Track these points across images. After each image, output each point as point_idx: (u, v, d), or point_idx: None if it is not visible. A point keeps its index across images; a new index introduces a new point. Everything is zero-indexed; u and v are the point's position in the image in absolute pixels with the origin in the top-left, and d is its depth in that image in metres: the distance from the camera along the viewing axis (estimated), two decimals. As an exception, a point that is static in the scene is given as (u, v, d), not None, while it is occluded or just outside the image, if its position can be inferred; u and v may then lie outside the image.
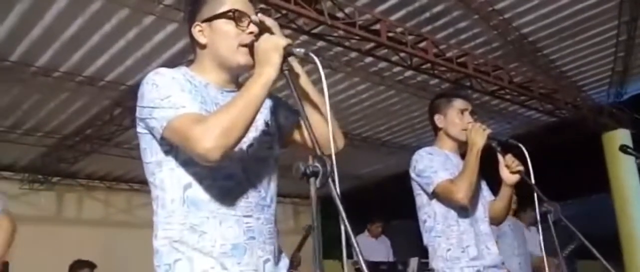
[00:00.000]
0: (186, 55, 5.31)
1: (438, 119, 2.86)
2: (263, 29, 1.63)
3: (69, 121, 6.77)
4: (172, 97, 1.53)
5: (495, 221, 2.89)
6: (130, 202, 8.88)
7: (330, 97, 1.49)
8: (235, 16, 1.62)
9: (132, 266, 6.58)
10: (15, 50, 5.22)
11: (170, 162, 1.59)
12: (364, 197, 7.67)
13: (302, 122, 1.70)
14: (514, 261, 5.18)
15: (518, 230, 5.24)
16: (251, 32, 1.62)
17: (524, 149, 2.59)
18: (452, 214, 2.69)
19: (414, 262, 5.14)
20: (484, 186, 2.89)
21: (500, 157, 2.71)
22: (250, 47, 1.60)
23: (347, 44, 5.26)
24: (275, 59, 1.51)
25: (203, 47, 1.68)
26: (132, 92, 5.78)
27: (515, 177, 2.67)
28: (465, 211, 2.69)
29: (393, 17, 5.41)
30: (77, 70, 5.66)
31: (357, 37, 5.03)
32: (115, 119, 6.46)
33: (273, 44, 1.53)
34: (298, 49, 1.54)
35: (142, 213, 8.27)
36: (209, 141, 1.42)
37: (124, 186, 8.92)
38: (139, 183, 8.50)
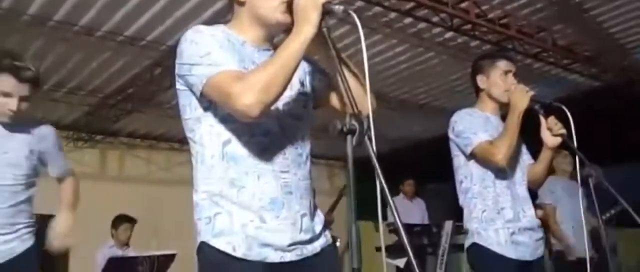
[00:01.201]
0: (226, 15, 5.33)
1: (480, 80, 2.84)
2: None
3: (110, 80, 6.91)
4: (211, 54, 1.55)
5: (534, 184, 2.87)
6: (170, 161, 9.10)
7: (368, 58, 1.48)
8: None
9: (172, 222, 6.81)
10: (58, 10, 5.32)
11: (209, 119, 1.62)
12: (401, 159, 7.63)
13: (336, 83, 1.72)
14: (567, 225, 5.13)
15: (571, 191, 5.10)
16: None
17: (567, 111, 2.54)
18: (489, 175, 2.69)
19: (448, 225, 5.13)
20: (523, 149, 2.87)
21: (542, 119, 2.67)
22: (289, 4, 1.60)
23: (386, 3, 5.17)
24: (314, 16, 1.51)
25: (242, 4, 1.69)
26: (172, 52, 5.81)
27: (557, 140, 2.64)
28: (503, 173, 2.68)
29: (434, -23, 5.29)
30: (118, 29, 5.74)
31: (397, -3, 4.94)
32: (156, 79, 6.55)
33: (312, 1, 1.53)
34: (337, 7, 1.53)
35: (182, 171, 8.46)
36: (249, 97, 1.45)
37: (164, 145, 9.13)
38: (179, 142, 8.67)
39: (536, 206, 5.26)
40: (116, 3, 5.27)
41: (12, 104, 2.40)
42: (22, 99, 2.43)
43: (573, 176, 5.18)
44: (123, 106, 7.37)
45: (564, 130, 2.60)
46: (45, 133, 2.71)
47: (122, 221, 6.31)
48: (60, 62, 6.31)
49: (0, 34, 5.53)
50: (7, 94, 2.40)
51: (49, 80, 6.71)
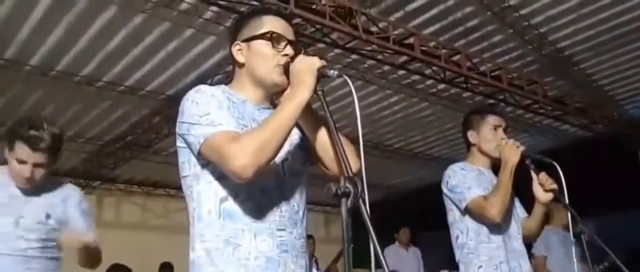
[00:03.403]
0: (223, 67, 5.46)
1: (471, 135, 2.84)
2: (298, 51, 1.69)
3: (110, 129, 7.01)
4: (210, 114, 1.59)
5: (529, 238, 2.85)
6: (166, 207, 9.10)
7: (362, 109, 1.53)
8: (272, 38, 1.69)
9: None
10: (61, 60, 5.45)
11: (207, 176, 1.64)
12: (395, 207, 7.67)
13: (319, 145, 1.74)
14: None
15: (566, 243, 5.11)
16: (287, 54, 1.68)
17: (558, 167, 2.57)
18: (485, 230, 2.67)
19: (444, 275, 5.13)
20: (517, 202, 2.86)
21: (533, 175, 2.70)
22: (286, 67, 1.65)
23: (380, 57, 5.31)
24: (309, 80, 1.56)
25: (241, 65, 1.74)
26: (171, 102, 6.00)
27: (548, 196, 2.63)
28: (497, 227, 2.67)
29: (427, 31, 5.44)
30: (119, 80, 5.87)
31: (390, 51, 5.08)
32: (154, 127, 6.66)
33: (307, 66, 1.58)
34: (332, 71, 1.58)
35: (178, 218, 8.45)
36: (242, 159, 1.48)
37: (161, 192, 9.16)
38: (175, 189, 8.66)
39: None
40: (117, 55, 5.41)
41: (26, 171, 2.36)
42: (36, 165, 2.37)
43: (568, 227, 5.20)
44: (121, 153, 7.44)
45: (555, 186, 2.61)
46: (67, 194, 2.57)
47: (117, 270, 6.26)
48: (60, 111, 6.40)
49: (3, 84, 5.65)
50: (22, 162, 2.37)
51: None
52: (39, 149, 2.35)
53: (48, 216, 2.46)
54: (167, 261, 6.64)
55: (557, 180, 2.61)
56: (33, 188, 2.45)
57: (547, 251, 5.30)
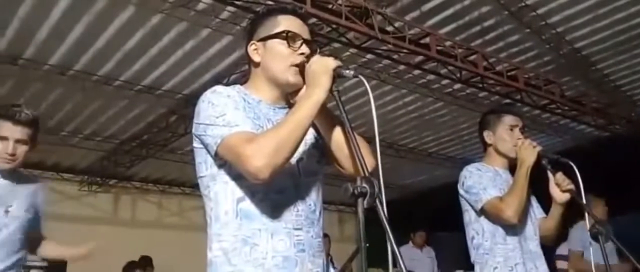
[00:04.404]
0: (240, 66, 5.49)
1: (487, 136, 2.82)
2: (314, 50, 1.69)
3: (126, 127, 7.08)
4: (226, 115, 1.59)
5: (547, 240, 2.83)
6: (182, 206, 9.17)
7: (377, 108, 1.52)
8: (288, 37, 1.69)
9: (183, 267, 6.81)
10: (79, 60, 5.51)
11: (224, 176, 1.64)
12: (410, 207, 7.65)
13: (335, 145, 1.74)
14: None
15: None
16: (302, 53, 1.68)
17: (575, 167, 2.53)
18: (500, 231, 2.66)
19: (458, 275, 5.12)
20: (534, 203, 2.83)
21: (550, 175, 2.68)
22: (302, 67, 1.66)
23: (396, 57, 5.30)
24: (325, 80, 1.56)
25: (257, 65, 1.75)
26: (188, 101, 6.05)
27: (565, 196, 2.61)
28: (513, 228, 2.65)
29: (443, 31, 5.43)
30: (136, 79, 5.92)
31: (406, 51, 5.07)
32: (171, 126, 6.71)
33: (323, 66, 1.58)
34: (347, 71, 1.58)
35: (194, 216, 8.52)
36: (259, 160, 1.48)
37: (176, 190, 9.22)
38: (191, 187, 8.75)
39: (561, 257, 5.24)
40: (134, 54, 5.47)
41: (8, 146, 2.51)
42: (17, 141, 2.53)
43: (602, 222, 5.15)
44: (137, 152, 7.50)
45: (572, 186, 2.59)
46: (40, 187, 2.77)
47: (132, 267, 6.34)
48: (78, 110, 6.48)
49: (22, 83, 5.73)
50: (4, 138, 2.52)
51: (67, 126, 6.88)
52: (20, 122, 2.52)
53: (30, 204, 2.64)
54: (146, 255, 6.65)
55: (574, 180, 2.59)
56: (17, 180, 2.61)
57: (583, 247, 5.20)
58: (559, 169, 2.66)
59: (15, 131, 2.52)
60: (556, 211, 2.71)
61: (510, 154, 2.75)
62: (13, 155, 2.52)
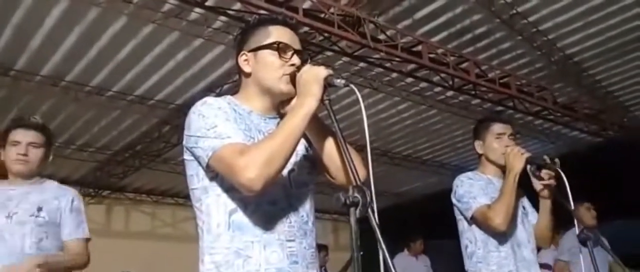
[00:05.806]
0: (232, 76, 5.49)
1: (478, 145, 2.84)
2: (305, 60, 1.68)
3: (119, 138, 7.06)
4: (217, 127, 1.58)
5: (541, 241, 2.83)
6: (175, 216, 9.13)
7: (370, 116, 1.54)
8: (279, 47, 1.68)
9: (177, 279, 6.77)
10: (72, 70, 5.50)
11: (216, 188, 1.63)
12: (404, 215, 7.65)
13: (326, 155, 1.73)
14: None
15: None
16: (293, 64, 1.67)
17: (561, 172, 2.51)
18: (492, 239, 2.66)
19: (453, 283, 5.10)
20: (529, 209, 2.84)
21: (534, 180, 2.66)
22: (293, 77, 1.64)
23: (388, 65, 5.31)
24: (316, 90, 1.55)
25: (248, 75, 1.74)
26: (180, 111, 6.04)
27: (545, 189, 2.62)
28: (506, 236, 2.65)
29: (435, 39, 5.45)
30: (128, 89, 5.91)
31: (398, 59, 5.08)
32: (164, 136, 6.70)
33: (314, 75, 1.57)
34: (338, 80, 1.57)
35: (187, 226, 8.48)
36: (251, 171, 1.47)
37: (169, 200, 9.18)
38: (184, 198, 8.71)
39: (545, 266, 5.22)
40: (127, 65, 5.46)
41: (21, 148, 2.59)
42: (29, 144, 2.60)
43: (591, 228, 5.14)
44: (130, 162, 7.48)
45: (552, 181, 2.58)
46: (63, 193, 2.70)
47: (127, 278, 6.30)
48: (71, 121, 6.46)
49: (14, 94, 5.70)
50: (16, 143, 2.61)
51: (59, 137, 6.83)
52: (30, 126, 2.64)
53: (39, 209, 2.59)
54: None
55: (562, 185, 2.58)
56: (33, 187, 2.62)
57: (570, 257, 5.19)
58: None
59: (26, 135, 2.63)
60: (543, 207, 2.71)
61: (500, 161, 2.74)
62: (25, 155, 2.59)
